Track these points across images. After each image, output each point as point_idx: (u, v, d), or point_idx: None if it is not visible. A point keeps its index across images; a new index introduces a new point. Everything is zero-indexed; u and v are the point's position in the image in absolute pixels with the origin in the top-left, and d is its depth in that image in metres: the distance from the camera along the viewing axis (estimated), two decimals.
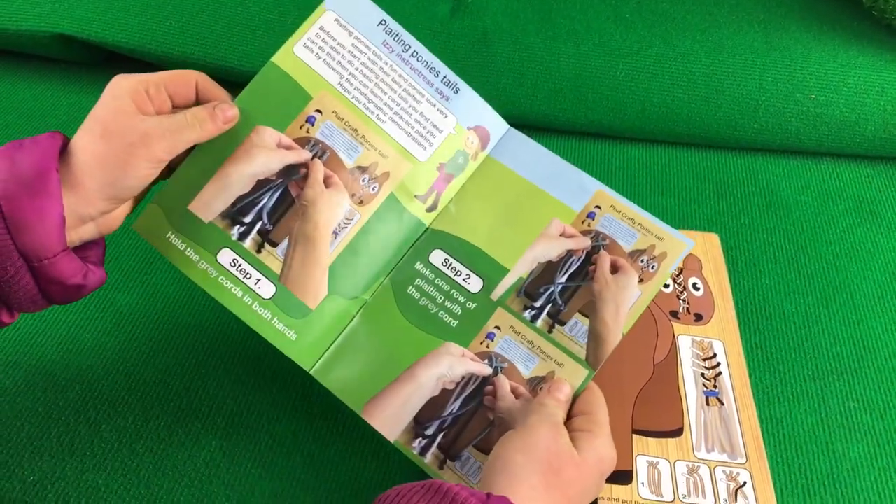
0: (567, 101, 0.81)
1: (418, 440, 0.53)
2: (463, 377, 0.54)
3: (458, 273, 0.56)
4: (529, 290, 0.55)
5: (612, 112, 0.81)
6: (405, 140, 0.56)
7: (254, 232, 0.54)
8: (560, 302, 0.54)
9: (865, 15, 0.85)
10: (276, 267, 0.54)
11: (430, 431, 0.53)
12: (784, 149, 0.82)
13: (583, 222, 0.55)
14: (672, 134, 0.83)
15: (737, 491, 0.55)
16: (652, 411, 0.60)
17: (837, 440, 0.60)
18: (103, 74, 0.91)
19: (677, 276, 0.69)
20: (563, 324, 0.54)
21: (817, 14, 0.85)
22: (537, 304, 0.54)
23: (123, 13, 0.83)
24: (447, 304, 0.55)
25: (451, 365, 0.54)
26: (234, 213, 0.53)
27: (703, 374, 0.62)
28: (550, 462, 0.46)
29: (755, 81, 0.79)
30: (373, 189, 0.56)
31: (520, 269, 0.55)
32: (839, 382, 0.63)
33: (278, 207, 0.54)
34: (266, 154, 0.54)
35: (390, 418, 0.53)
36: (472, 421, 0.53)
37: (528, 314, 0.54)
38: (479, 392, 0.53)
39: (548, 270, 0.55)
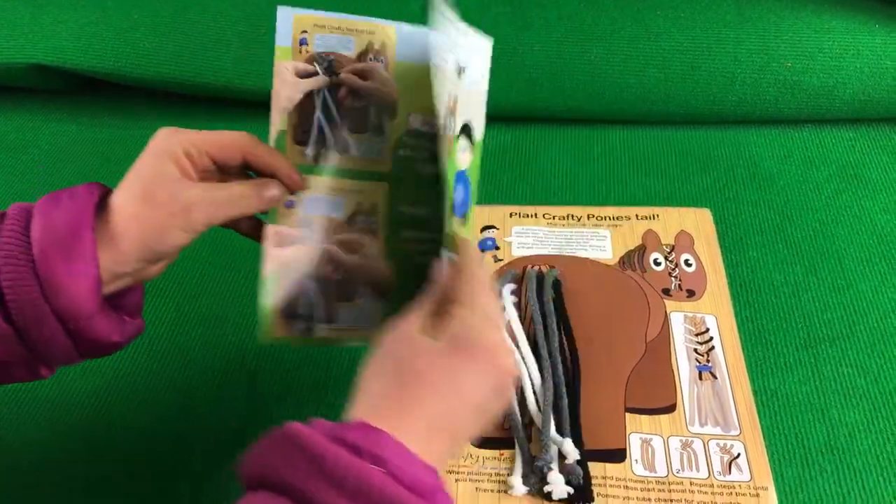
0: (543, 90, 0.81)
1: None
2: None
3: None
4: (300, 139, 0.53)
5: (589, 97, 0.81)
6: None
7: None
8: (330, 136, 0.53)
9: None
10: None
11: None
12: (764, 119, 0.82)
13: (301, 53, 0.53)
14: (651, 114, 0.82)
15: (731, 463, 0.54)
16: (645, 389, 0.60)
17: (833, 407, 0.59)
18: (82, 101, 0.93)
19: (669, 253, 0.69)
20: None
21: None
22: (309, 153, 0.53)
23: (97, 39, 0.84)
24: None
25: None
26: None
27: (695, 350, 0.62)
28: (394, 354, 0.41)
29: (730, 54, 0.79)
30: None
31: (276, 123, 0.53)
32: (832, 349, 0.63)
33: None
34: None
35: None
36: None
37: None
38: None
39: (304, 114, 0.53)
